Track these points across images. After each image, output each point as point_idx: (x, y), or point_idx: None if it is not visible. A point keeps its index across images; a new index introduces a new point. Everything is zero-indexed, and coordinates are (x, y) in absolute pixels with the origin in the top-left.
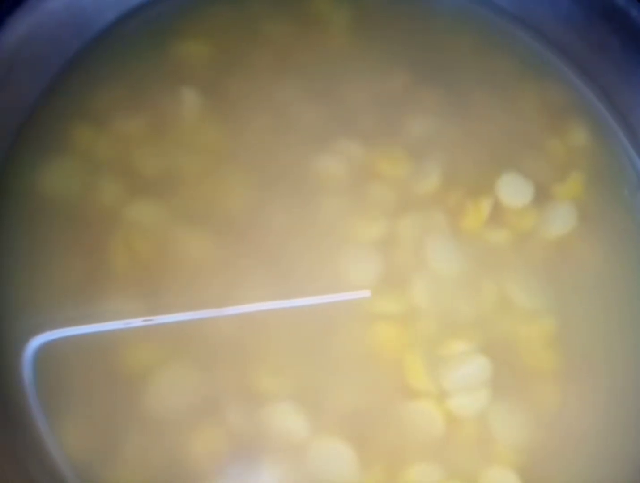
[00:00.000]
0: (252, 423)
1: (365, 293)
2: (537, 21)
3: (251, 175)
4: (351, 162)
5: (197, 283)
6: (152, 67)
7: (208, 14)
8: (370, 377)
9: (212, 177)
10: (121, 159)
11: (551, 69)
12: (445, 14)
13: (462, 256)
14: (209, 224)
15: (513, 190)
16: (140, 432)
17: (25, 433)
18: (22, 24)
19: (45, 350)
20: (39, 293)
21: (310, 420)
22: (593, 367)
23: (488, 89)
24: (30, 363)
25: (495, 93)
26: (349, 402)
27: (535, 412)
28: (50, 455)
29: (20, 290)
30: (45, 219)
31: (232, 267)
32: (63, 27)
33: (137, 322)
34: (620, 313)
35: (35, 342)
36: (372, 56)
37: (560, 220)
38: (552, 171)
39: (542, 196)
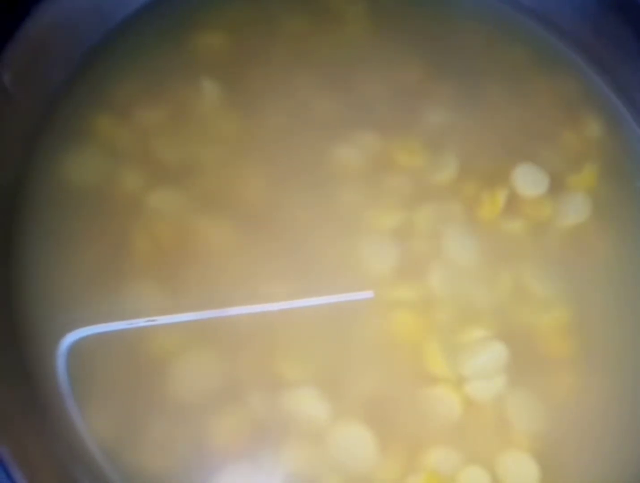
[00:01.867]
0: (274, 409)
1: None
2: (551, 13)
3: (269, 165)
4: (368, 152)
5: (218, 270)
6: (172, 58)
7: (227, 6)
8: (390, 363)
9: (231, 166)
10: (142, 148)
11: (565, 61)
12: (460, 6)
13: (478, 245)
14: (229, 213)
15: (528, 181)
16: (164, 417)
17: (55, 420)
18: (46, 15)
19: (74, 343)
20: (64, 281)
21: (331, 406)
22: (608, 355)
23: (503, 81)
24: (62, 356)
25: (510, 85)
26: (369, 388)
27: (551, 398)
28: (79, 440)
29: (46, 279)
30: (69, 208)
31: (251, 254)
32: (86, 18)
33: (162, 319)
34: (634, 302)
35: (66, 336)
36: (388, 48)
37: (575, 211)
38: (567, 162)
39: (556, 187)
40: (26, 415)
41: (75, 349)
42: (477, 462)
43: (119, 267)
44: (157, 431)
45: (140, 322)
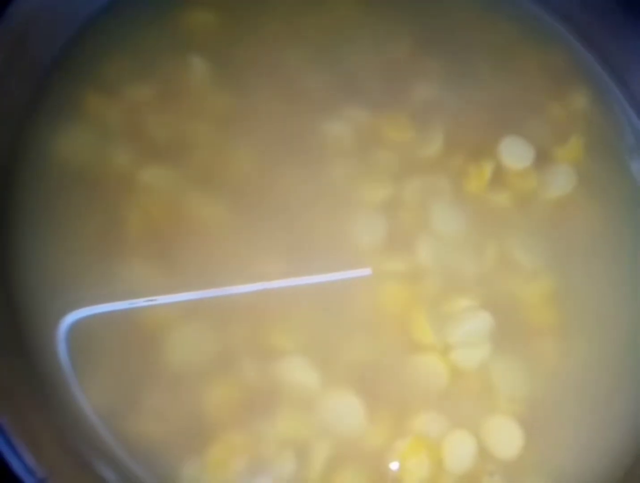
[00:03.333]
0: (267, 378)
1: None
2: None
3: (260, 141)
4: (357, 127)
5: (211, 246)
6: (161, 35)
7: None
8: (378, 332)
9: (221, 143)
10: (133, 125)
11: (552, 34)
12: None
13: (465, 217)
14: (220, 189)
15: (514, 153)
16: (160, 387)
17: (54, 391)
18: None
19: (72, 319)
20: (58, 258)
21: (322, 374)
22: (591, 323)
23: (490, 55)
24: (60, 331)
25: (498, 59)
26: (358, 357)
27: (535, 365)
28: (78, 410)
29: (39, 256)
30: (62, 186)
31: (244, 230)
32: None
33: (161, 299)
34: (617, 271)
35: (63, 313)
36: (377, 24)
37: (560, 182)
38: (553, 134)
39: (542, 159)
40: (26, 387)
41: (73, 324)
42: (463, 427)
43: (113, 245)
44: (153, 400)
45: (140, 302)
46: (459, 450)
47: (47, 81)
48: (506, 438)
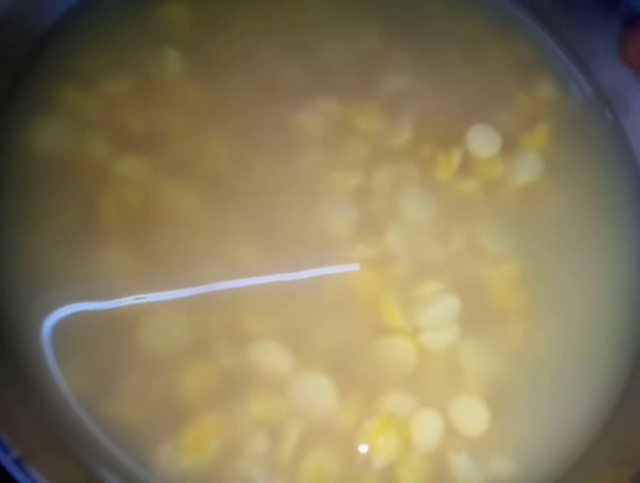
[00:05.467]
0: (240, 362)
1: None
2: None
3: (233, 132)
4: (328, 118)
5: (186, 236)
6: (136, 29)
7: None
8: (349, 316)
9: (196, 134)
10: (109, 118)
11: (519, 24)
12: None
13: (433, 204)
14: (195, 179)
15: (482, 142)
16: (135, 372)
17: (35, 379)
18: None
19: (51, 309)
20: (34, 250)
21: (293, 357)
22: (556, 306)
23: (459, 45)
24: (40, 320)
25: (466, 49)
26: (329, 340)
27: (501, 347)
28: (57, 395)
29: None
30: (38, 179)
31: (218, 219)
32: None
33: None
34: (582, 256)
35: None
36: (348, 17)
37: (527, 169)
38: (520, 123)
39: (509, 147)
40: (4, 372)
41: (50, 313)
42: (431, 406)
43: (89, 235)
44: (129, 385)
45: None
46: (427, 428)
47: (24, 75)
48: (473, 416)
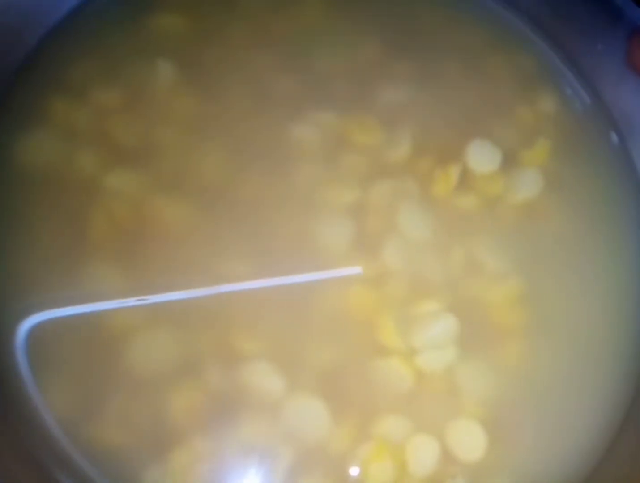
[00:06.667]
0: (231, 383)
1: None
2: None
3: (227, 145)
4: (325, 131)
5: (177, 250)
6: (128, 39)
7: None
8: (344, 336)
9: (189, 146)
10: (99, 130)
11: (521, 37)
12: None
13: (432, 221)
14: (187, 193)
15: (481, 157)
16: (121, 392)
17: (14, 399)
18: None
19: (32, 325)
20: (22, 263)
21: (286, 379)
22: (557, 325)
23: (459, 58)
24: (19, 338)
25: (466, 62)
26: (323, 361)
27: (500, 368)
28: (38, 416)
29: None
30: (26, 190)
31: (210, 234)
32: (41, 0)
33: (124, 302)
34: (583, 274)
35: (24, 319)
36: (346, 28)
37: (527, 186)
38: (520, 138)
39: (509, 162)
40: None
41: (32, 328)
42: (427, 431)
43: (76, 248)
44: (115, 406)
45: (102, 306)
46: (423, 453)
47: (13, 86)
48: (469, 441)
